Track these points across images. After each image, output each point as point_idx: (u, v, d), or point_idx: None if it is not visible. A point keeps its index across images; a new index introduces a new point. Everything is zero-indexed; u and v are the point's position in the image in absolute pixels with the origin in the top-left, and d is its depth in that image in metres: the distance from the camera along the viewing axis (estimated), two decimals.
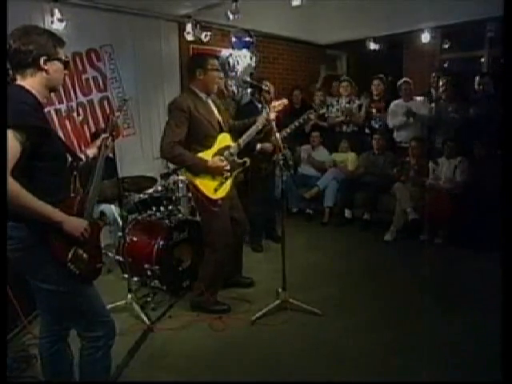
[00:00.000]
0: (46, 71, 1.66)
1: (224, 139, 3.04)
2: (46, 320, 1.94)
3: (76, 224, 1.69)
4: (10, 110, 1.51)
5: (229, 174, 3.00)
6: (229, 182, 3.05)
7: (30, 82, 1.64)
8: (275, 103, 3.29)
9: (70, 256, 1.69)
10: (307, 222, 5.37)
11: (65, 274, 1.70)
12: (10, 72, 1.67)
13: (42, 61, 1.64)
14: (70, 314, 1.83)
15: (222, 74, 3.17)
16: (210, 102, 3.05)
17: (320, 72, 6.44)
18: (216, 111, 3.07)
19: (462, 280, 3.59)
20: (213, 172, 2.93)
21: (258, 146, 3.98)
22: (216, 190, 2.96)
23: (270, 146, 3.97)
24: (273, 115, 3.14)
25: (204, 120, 2.93)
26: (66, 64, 1.75)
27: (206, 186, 2.95)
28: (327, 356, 2.59)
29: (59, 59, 1.71)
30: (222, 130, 3.05)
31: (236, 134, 3.16)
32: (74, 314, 1.82)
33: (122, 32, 4.60)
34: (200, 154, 2.93)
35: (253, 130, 3.12)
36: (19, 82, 1.64)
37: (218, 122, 3.04)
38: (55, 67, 1.69)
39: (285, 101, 3.39)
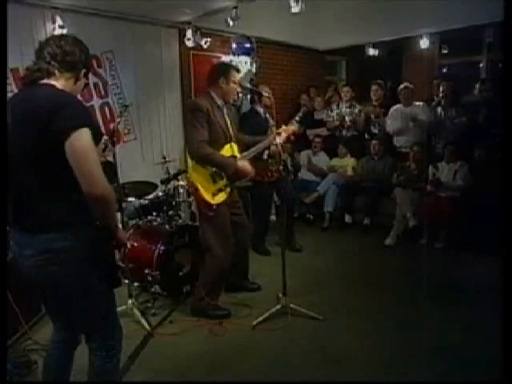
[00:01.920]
0: (78, 83, 1.74)
1: (231, 149, 3.07)
2: (62, 333, 1.90)
3: (123, 231, 1.83)
4: (77, 109, 1.54)
5: (228, 182, 3.01)
6: (227, 190, 3.06)
7: (63, 84, 1.66)
8: (284, 128, 3.29)
9: (116, 261, 1.80)
10: (307, 227, 5.37)
11: (104, 281, 1.71)
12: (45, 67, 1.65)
13: (83, 72, 1.74)
14: (98, 322, 1.79)
15: (240, 88, 3.30)
16: (224, 109, 3.10)
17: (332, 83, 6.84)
18: (229, 121, 3.11)
19: (462, 283, 3.59)
20: (238, 175, 2.98)
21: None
22: (214, 195, 2.98)
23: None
24: (280, 139, 3.15)
25: (217, 125, 2.97)
26: (85, 85, 1.84)
27: (205, 190, 2.97)
28: (328, 361, 2.58)
29: (87, 78, 1.81)
30: (230, 140, 3.08)
31: (242, 148, 3.21)
32: (102, 321, 1.79)
33: (123, 38, 4.62)
34: None
35: (257, 147, 3.17)
36: (54, 80, 1.64)
37: (229, 131, 3.08)
38: (81, 83, 1.78)
39: (294, 127, 3.37)
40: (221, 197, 3.00)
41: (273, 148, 3.90)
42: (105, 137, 4.07)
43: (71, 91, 1.68)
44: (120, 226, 3.59)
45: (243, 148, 3.20)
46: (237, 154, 3.10)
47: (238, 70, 3.20)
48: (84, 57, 1.72)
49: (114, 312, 1.86)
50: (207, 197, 2.96)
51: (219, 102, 3.05)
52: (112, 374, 1.88)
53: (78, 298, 1.69)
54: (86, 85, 1.84)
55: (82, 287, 1.67)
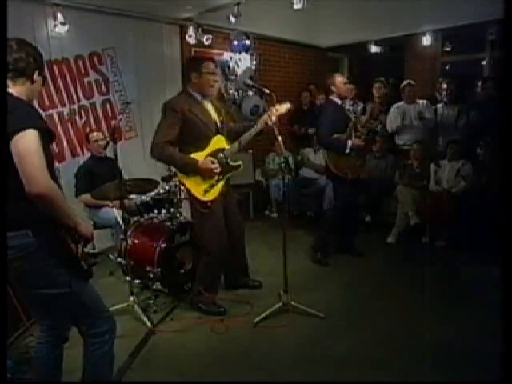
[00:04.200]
0: (35, 83, 1.75)
1: (219, 141, 3.04)
2: (46, 326, 1.94)
3: (87, 226, 1.82)
4: (22, 113, 1.57)
5: (219, 176, 2.99)
6: (220, 184, 3.04)
7: (19, 91, 1.69)
8: (277, 106, 3.12)
9: (79, 254, 1.76)
10: (309, 225, 5.36)
11: (71, 274, 1.73)
12: None
13: (36, 73, 1.74)
14: (75, 313, 1.84)
15: (218, 77, 3.13)
16: (205, 103, 3.05)
17: None
18: (213, 113, 3.07)
19: (463, 282, 3.59)
20: (202, 173, 2.93)
21: (349, 142, 3.74)
22: (206, 192, 2.98)
23: (360, 140, 3.82)
24: (274, 118, 3.03)
25: (198, 121, 2.94)
26: (44, 80, 1.84)
27: (196, 187, 2.97)
28: (328, 359, 2.58)
29: (43, 75, 1.81)
30: (218, 132, 3.04)
31: (234, 137, 3.14)
32: (79, 314, 1.84)
33: (125, 35, 4.62)
34: (192, 155, 2.93)
35: (251, 131, 3.08)
36: (11, 88, 1.68)
37: (215, 124, 3.04)
38: (39, 81, 1.79)
39: (288, 105, 3.18)
40: (213, 193, 3.00)
41: (356, 142, 3.78)
42: (104, 134, 4.11)
43: (31, 92, 1.75)
44: (121, 222, 3.64)
45: (235, 137, 3.12)
46: (225, 145, 3.06)
47: (212, 60, 3.12)
48: (32, 58, 1.71)
49: (94, 304, 1.87)
50: (198, 194, 2.97)
51: (198, 97, 3.00)
52: (101, 362, 1.91)
53: (45, 292, 1.73)
54: (45, 78, 1.85)
55: (46, 282, 1.72)
